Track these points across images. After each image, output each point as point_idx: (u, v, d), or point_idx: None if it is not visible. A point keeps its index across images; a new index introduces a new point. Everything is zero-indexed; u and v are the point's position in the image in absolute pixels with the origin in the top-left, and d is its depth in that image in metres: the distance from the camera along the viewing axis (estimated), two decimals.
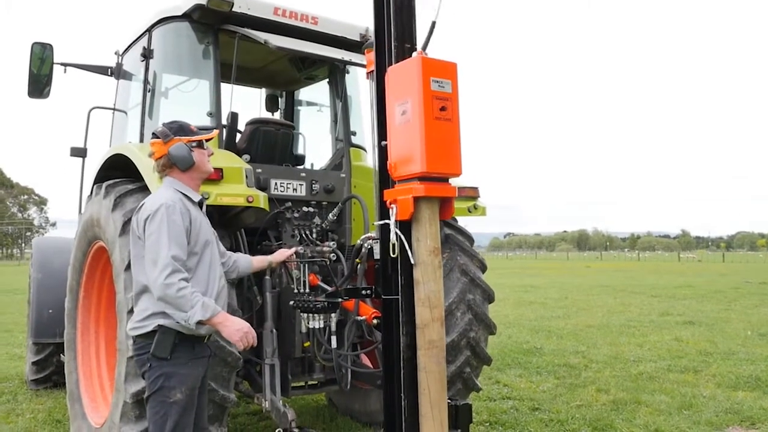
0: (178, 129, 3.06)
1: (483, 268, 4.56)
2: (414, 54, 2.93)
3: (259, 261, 3.70)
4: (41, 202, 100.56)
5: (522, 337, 9.76)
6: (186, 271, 2.84)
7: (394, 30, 3.11)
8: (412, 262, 2.92)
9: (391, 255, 2.97)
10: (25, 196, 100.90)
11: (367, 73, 3.40)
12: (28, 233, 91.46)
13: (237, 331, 2.84)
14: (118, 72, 5.42)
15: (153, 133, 3.09)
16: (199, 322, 2.77)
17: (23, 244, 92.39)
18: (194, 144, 3.07)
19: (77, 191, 5.42)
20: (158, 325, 2.83)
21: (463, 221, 4.71)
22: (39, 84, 5.09)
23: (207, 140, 3.18)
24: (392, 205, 2.95)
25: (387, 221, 2.97)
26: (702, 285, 21.55)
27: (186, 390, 2.85)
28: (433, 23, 3.00)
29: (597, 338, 9.63)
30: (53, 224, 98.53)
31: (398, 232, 2.95)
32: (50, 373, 6.20)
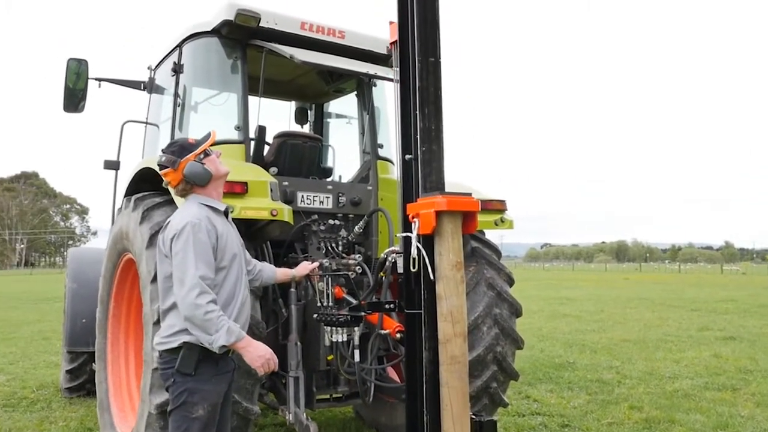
0: (181, 149, 3.05)
1: (510, 281, 4.51)
2: None
3: (283, 273, 3.71)
4: (83, 212, 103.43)
5: (555, 351, 9.61)
6: (213, 286, 2.87)
7: (418, 44, 3.11)
8: (432, 277, 2.90)
9: (413, 269, 2.96)
10: (68, 206, 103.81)
11: (391, 44, 3.38)
12: (70, 242, 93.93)
13: (259, 357, 2.87)
14: (150, 86, 5.53)
15: (159, 165, 3.08)
16: (223, 345, 2.79)
17: (65, 253, 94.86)
18: (202, 156, 3.07)
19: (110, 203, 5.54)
20: (184, 341, 2.86)
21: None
22: (74, 98, 5.23)
23: (209, 146, 3.14)
24: (414, 219, 2.95)
25: (409, 235, 2.97)
26: (745, 299, 20.93)
27: (208, 406, 2.87)
28: None
29: (632, 353, 9.43)
30: (94, 233, 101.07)
31: (420, 246, 2.94)
32: (84, 381, 6.31)
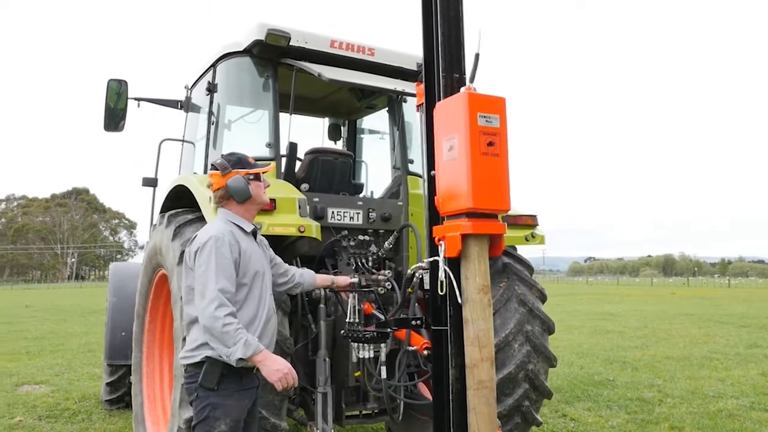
0: (236, 162, 3.15)
1: (543, 298, 4.44)
2: (462, 89, 2.92)
3: (323, 279, 3.75)
4: (131, 226, 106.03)
5: (594, 368, 9.41)
6: (235, 302, 2.91)
7: (443, 60, 3.12)
8: (460, 301, 2.88)
9: (440, 292, 2.94)
10: (117, 221, 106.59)
11: (417, 106, 3.43)
12: (119, 256, 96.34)
13: (276, 371, 2.86)
14: (186, 105, 5.67)
15: (212, 165, 3.19)
16: (240, 359, 2.82)
17: None
18: (251, 177, 3.15)
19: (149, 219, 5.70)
20: (206, 356, 2.90)
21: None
22: (115, 118, 5.38)
23: (264, 173, 3.27)
24: (441, 242, 2.94)
25: (436, 258, 2.95)
26: None
27: (230, 422, 2.89)
28: (477, 55, 3.00)
29: (675, 371, 9.16)
30: (141, 247, 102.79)
31: (447, 269, 2.92)
32: (123, 393, 6.45)
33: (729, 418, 6.31)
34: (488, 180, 2.80)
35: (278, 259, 3.49)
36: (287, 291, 3.61)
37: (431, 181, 3.14)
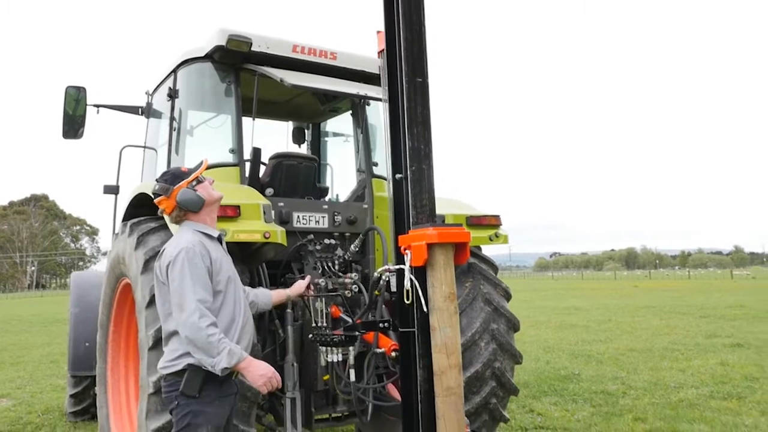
0: (173, 178, 3.13)
1: (507, 296, 4.51)
2: None
3: (279, 295, 3.74)
4: (93, 233, 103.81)
5: (560, 363, 9.57)
6: (212, 310, 2.91)
7: (405, 64, 3.15)
8: (426, 310, 2.91)
9: (407, 301, 2.96)
10: (78, 227, 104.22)
11: (378, 52, 3.41)
12: (81, 263, 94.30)
13: (261, 376, 2.90)
14: (148, 111, 5.60)
15: (153, 193, 3.16)
16: (225, 368, 2.83)
17: None
18: (194, 183, 3.13)
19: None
20: (188, 364, 2.90)
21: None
22: (74, 125, 5.29)
23: (201, 173, 3.21)
24: (407, 251, 2.97)
25: (402, 266, 2.98)
26: (754, 304, 20.73)
27: (212, 429, 2.90)
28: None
29: (638, 363, 9.38)
30: (104, 254, 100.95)
31: (413, 278, 2.94)
32: (87, 405, 6.35)
33: (689, 407, 6.48)
34: None
35: None
36: None
37: (396, 184, 3.18)
